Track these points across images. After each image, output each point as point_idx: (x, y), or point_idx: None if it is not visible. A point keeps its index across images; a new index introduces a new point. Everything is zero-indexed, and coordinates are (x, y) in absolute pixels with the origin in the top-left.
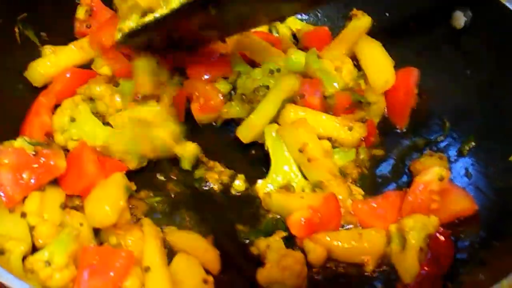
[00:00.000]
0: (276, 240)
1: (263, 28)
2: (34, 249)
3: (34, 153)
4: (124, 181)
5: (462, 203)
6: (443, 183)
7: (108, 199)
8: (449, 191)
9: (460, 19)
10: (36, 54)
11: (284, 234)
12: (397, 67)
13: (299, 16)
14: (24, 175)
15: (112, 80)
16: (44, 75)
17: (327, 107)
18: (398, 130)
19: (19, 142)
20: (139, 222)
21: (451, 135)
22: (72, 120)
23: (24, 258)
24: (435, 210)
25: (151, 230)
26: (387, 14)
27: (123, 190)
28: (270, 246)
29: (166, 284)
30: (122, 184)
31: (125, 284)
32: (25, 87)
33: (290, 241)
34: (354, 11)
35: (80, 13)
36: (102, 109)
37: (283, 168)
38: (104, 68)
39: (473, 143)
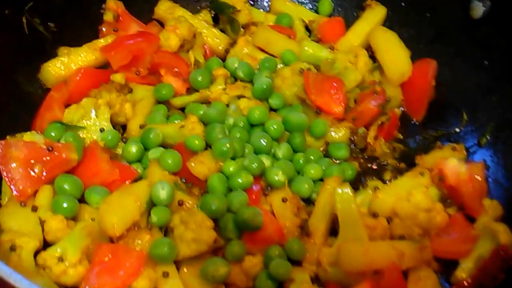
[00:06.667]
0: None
1: (272, 20)
2: (45, 243)
3: (45, 146)
4: (148, 191)
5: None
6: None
7: (120, 211)
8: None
9: (478, 9)
10: (49, 52)
11: (312, 268)
12: (413, 58)
13: (311, 6)
14: (36, 169)
15: (125, 87)
16: (56, 77)
17: (350, 118)
18: (414, 122)
19: (29, 136)
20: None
21: (468, 127)
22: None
23: (35, 254)
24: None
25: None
26: (403, 4)
27: (144, 202)
28: (295, 279)
29: None
30: (144, 196)
31: (135, 284)
32: (38, 85)
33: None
34: (369, 1)
35: (109, 16)
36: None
37: None
38: (117, 76)
39: (490, 135)
